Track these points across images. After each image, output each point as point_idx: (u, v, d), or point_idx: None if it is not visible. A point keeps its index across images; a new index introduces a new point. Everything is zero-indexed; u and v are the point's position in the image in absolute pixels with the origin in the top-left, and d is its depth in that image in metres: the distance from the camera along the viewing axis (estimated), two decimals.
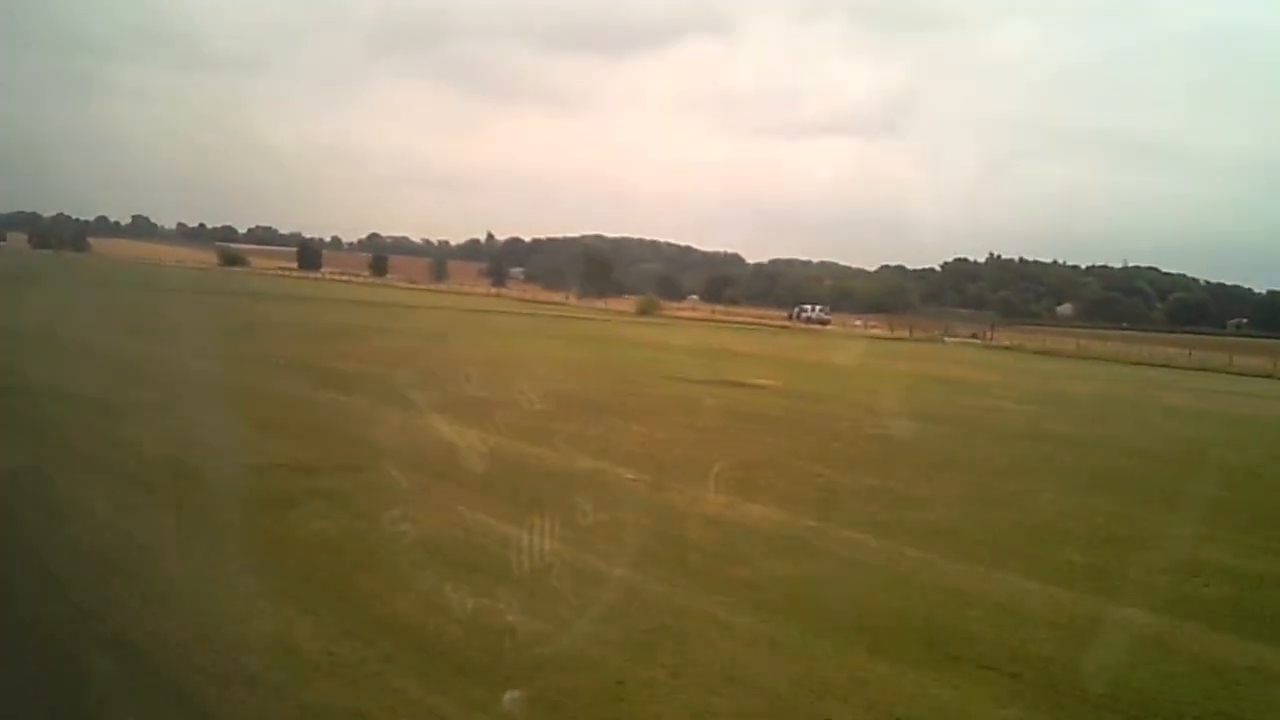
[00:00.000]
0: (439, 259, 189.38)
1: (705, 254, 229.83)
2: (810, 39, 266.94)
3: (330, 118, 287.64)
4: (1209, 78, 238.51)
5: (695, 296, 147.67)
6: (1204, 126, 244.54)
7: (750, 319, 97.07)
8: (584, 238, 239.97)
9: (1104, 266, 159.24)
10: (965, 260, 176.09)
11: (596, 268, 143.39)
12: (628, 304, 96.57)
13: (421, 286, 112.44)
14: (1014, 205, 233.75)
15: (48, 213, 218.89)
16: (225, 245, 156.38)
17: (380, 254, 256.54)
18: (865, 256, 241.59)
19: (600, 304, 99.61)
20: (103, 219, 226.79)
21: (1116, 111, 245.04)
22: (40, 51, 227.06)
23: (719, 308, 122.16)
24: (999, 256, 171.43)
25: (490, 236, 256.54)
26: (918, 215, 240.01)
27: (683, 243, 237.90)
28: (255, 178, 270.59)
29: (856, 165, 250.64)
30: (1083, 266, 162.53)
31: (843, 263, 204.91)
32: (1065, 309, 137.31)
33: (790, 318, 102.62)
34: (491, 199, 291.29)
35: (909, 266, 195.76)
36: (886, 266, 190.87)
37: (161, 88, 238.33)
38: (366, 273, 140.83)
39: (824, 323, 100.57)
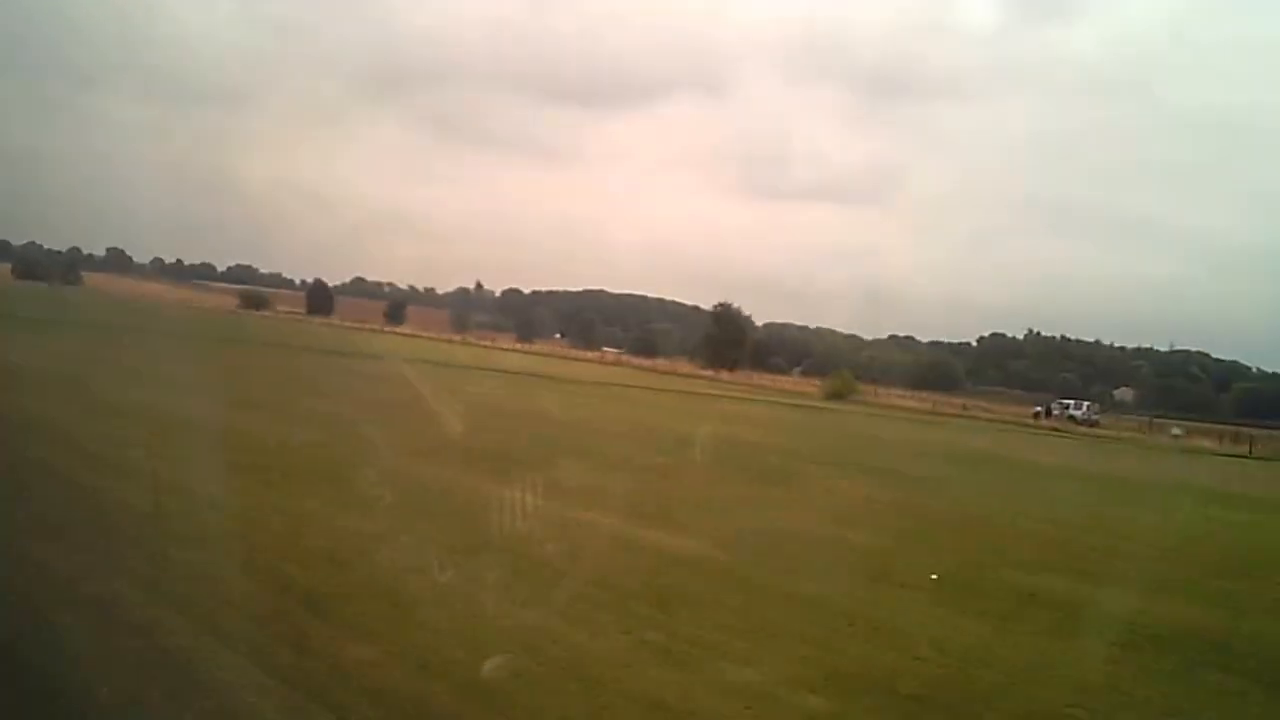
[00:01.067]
0: (458, 308, 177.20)
1: (709, 312, 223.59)
2: (803, 103, 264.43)
3: (312, 158, 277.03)
4: (1209, 158, 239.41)
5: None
6: (1203, 207, 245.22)
7: (986, 414, 79.25)
8: (586, 292, 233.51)
9: (1150, 349, 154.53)
10: (1003, 335, 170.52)
11: (730, 332, 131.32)
12: (791, 382, 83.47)
13: (478, 342, 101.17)
14: (1012, 282, 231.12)
15: (17, 241, 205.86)
16: (248, 288, 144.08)
17: (377, 298, 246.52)
18: (861, 325, 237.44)
19: (742, 377, 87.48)
20: (76, 250, 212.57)
21: (1113, 188, 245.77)
22: (15, 77, 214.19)
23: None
24: (1038, 333, 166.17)
25: (479, 286, 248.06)
26: (913, 286, 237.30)
27: (690, 301, 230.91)
28: (233, 215, 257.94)
29: (846, 232, 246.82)
30: (1129, 347, 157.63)
31: (842, 330, 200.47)
32: (1124, 394, 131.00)
33: (1044, 415, 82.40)
34: (473, 248, 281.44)
35: (944, 340, 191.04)
36: (922, 340, 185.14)
37: (140, 120, 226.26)
38: (382, 320, 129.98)
39: (1092, 424, 78.19)
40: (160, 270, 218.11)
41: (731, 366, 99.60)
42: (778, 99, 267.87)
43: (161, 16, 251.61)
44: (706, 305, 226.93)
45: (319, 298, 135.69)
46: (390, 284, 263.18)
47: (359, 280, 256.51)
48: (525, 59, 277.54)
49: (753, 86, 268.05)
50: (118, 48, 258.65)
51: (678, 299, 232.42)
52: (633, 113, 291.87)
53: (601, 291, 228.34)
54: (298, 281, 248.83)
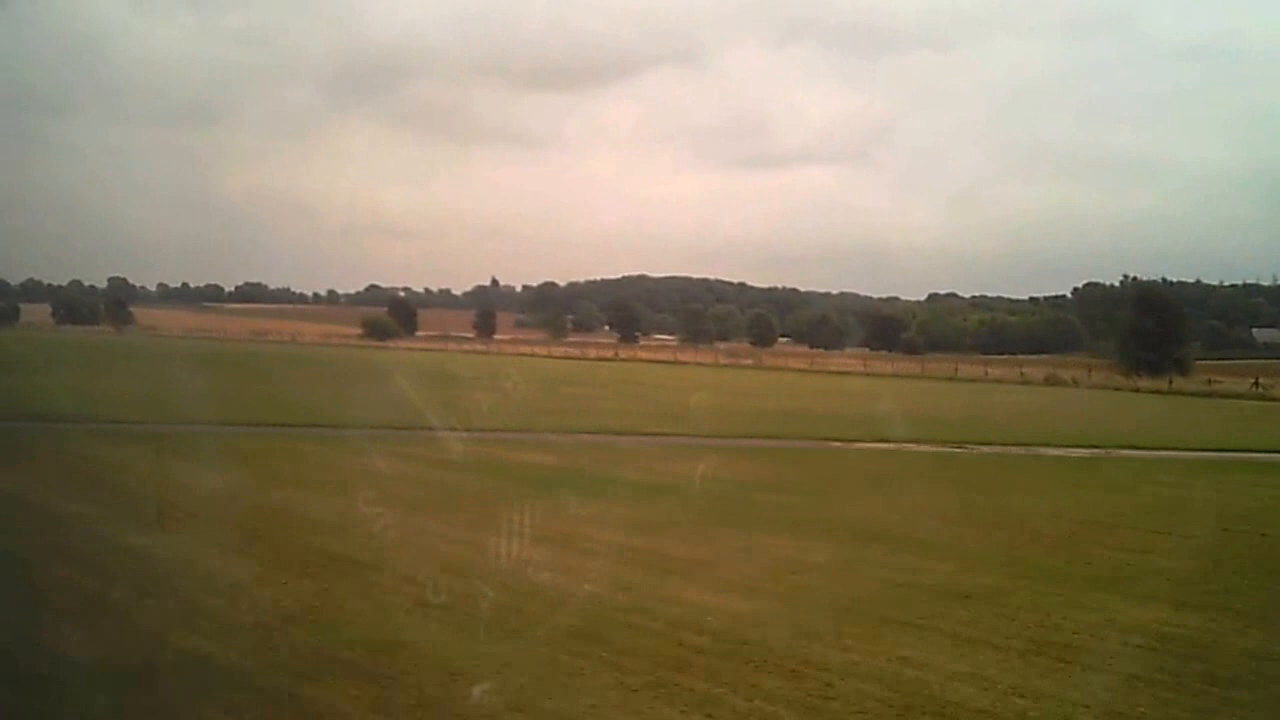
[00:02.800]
0: (487, 308, 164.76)
1: (761, 291, 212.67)
2: (783, 66, 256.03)
3: (297, 168, 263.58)
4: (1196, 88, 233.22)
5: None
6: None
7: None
8: (626, 279, 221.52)
9: (1255, 284, 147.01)
10: (1098, 284, 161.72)
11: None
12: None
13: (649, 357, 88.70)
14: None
15: (16, 280, 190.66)
16: (372, 310, 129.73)
17: (404, 305, 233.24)
18: (884, 286, 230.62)
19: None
20: (77, 283, 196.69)
21: (1104, 126, 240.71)
22: None
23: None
24: (1135, 278, 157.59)
25: (495, 282, 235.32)
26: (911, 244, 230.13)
27: (735, 279, 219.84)
28: (227, 233, 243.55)
29: (837, 193, 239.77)
30: (1226, 284, 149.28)
31: (863, 293, 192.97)
32: (1272, 334, 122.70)
33: None
34: (467, 244, 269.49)
35: (991, 295, 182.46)
36: (1036, 299, 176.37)
37: (117, 143, 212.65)
38: (471, 333, 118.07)
39: None
40: (166, 296, 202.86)
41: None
42: (756, 64, 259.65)
43: (128, 39, 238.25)
44: (755, 283, 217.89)
45: (400, 314, 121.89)
46: (406, 288, 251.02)
47: (373, 288, 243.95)
48: (499, 47, 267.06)
49: (730, 53, 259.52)
50: (84, 73, 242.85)
51: (723, 278, 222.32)
52: (611, 92, 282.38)
53: (643, 277, 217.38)
54: (310, 295, 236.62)
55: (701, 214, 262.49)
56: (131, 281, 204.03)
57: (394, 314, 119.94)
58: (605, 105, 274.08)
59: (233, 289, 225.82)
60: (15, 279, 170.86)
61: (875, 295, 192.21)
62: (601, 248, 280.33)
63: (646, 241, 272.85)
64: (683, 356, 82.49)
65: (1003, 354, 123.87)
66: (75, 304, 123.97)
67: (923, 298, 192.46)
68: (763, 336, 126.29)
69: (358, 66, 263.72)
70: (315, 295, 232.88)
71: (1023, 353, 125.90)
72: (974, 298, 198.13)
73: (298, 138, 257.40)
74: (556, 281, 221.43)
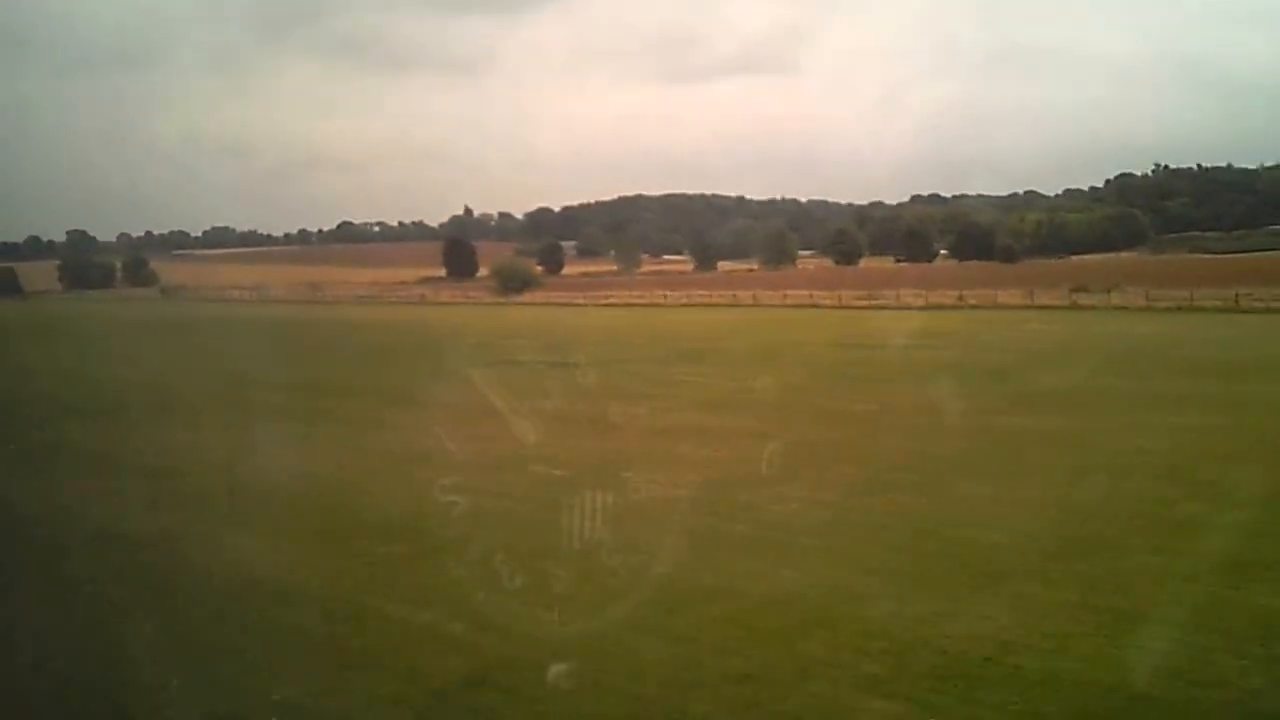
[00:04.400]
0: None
1: (762, 203, 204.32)
2: None
3: (230, 107, 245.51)
4: None
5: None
6: None
7: None
8: (622, 199, 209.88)
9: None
10: (1133, 175, 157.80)
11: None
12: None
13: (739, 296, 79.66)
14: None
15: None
16: (428, 246, 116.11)
17: (368, 240, 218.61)
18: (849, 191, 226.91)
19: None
20: (34, 239, 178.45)
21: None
22: None
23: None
24: (1166, 166, 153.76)
25: (469, 211, 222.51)
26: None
27: (732, 194, 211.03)
28: (170, 178, 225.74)
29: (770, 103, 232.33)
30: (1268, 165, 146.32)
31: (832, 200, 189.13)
32: None
33: None
34: (410, 173, 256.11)
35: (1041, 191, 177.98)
36: (1077, 189, 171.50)
37: (47, 94, 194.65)
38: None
39: None
40: (130, 245, 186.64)
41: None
42: None
43: None
44: (755, 195, 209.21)
45: (459, 256, 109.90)
46: (380, 223, 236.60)
47: (346, 224, 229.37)
48: None
49: None
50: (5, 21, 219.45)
51: (719, 192, 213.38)
52: (546, 13, 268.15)
53: (640, 196, 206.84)
54: (280, 235, 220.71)
55: (645, 129, 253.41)
56: (91, 233, 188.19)
57: (456, 254, 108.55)
58: (539, 27, 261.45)
59: (199, 234, 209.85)
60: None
61: (855, 201, 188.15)
62: (563, 169, 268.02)
63: (598, 160, 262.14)
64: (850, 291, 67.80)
65: (1072, 254, 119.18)
66: (83, 266, 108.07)
67: (906, 199, 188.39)
68: (847, 253, 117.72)
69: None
70: (286, 235, 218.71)
71: (1092, 251, 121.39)
72: (956, 197, 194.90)
73: (227, 77, 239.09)
74: (551, 207, 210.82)
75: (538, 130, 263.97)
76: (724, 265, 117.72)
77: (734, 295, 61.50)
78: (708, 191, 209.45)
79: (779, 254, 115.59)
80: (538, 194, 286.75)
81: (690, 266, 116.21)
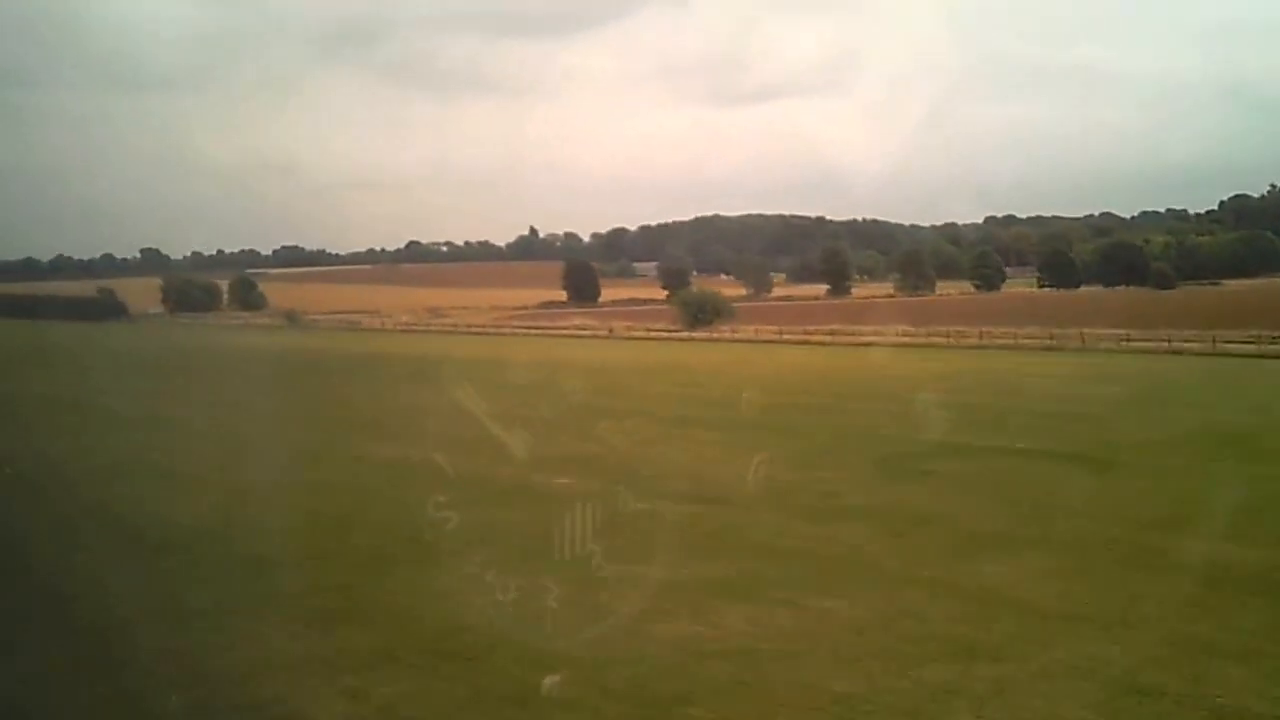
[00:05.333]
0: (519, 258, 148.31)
1: (843, 224, 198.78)
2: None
3: (285, 128, 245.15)
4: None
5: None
6: None
7: None
8: (699, 219, 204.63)
9: None
10: (1247, 197, 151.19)
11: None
12: None
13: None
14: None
15: (46, 256, 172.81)
16: (540, 267, 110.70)
17: (435, 260, 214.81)
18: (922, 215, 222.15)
19: None
20: (109, 257, 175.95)
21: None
22: None
23: None
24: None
25: (534, 232, 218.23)
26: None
27: (813, 213, 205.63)
28: (249, 197, 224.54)
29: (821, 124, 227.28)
30: None
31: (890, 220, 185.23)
32: None
33: None
34: (463, 195, 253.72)
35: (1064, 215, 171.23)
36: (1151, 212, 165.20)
37: (112, 112, 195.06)
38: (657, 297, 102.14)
39: None
40: (200, 264, 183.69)
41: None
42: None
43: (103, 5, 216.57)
44: (834, 216, 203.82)
45: (581, 280, 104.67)
46: (448, 243, 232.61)
47: (414, 244, 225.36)
48: None
49: None
50: (66, 42, 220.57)
51: (799, 213, 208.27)
52: (594, 35, 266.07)
53: (716, 217, 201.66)
54: (347, 254, 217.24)
55: (698, 152, 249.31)
56: (164, 252, 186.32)
57: (578, 278, 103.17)
58: (589, 49, 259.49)
59: (269, 253, 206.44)
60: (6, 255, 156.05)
61: (925, 224, 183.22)
62: (621, 190, 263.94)
63: (658, 182, 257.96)
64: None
65: (1211, 280, 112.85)
66: (184, 288, 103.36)
67: (978, 220, 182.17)
68: (989, 279, 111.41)
69: (340, 23, 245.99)
70: (354, 254, 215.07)
71: (1229, 276, 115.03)
72: (1031, 218, 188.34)
73: (284, 96, 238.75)
74: (627, 227, 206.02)
75: (592, 151, 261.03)
76: (859, 291, 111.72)
77: (949, 336, 55.32)
78: (786, 212, 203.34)
79: (917, 278, 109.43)
80: (601, 214, 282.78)
81: (822, 291, 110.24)
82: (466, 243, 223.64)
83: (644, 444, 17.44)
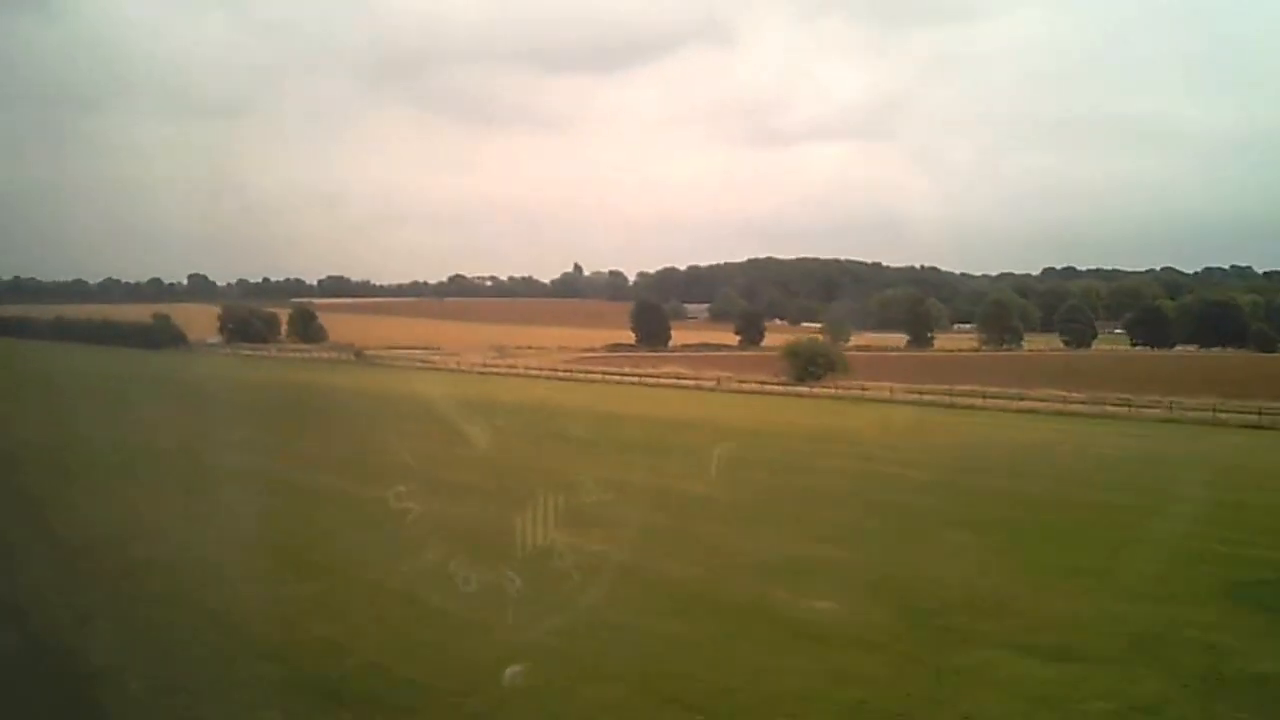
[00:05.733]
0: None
1: (899, 270, 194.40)
2: (811, 41, 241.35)
3: (330, 159, 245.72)
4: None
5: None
6: None
7: None
8: (752, 261, 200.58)
9: None
10: None
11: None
12: None
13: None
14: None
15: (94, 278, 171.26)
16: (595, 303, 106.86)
17: (479, 294, 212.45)
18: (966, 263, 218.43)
19: None
20: (156, 281, 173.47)
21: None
22: (21, 107, 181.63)
23: None
24: None
25: (578, 269, 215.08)
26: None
27: (869, 259, 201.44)
28: (295, 226, 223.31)
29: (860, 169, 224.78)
30: None
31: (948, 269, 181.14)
32: None
33: None
34: (506, 230, 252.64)
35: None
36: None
37: (156, 138, 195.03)
38: (734, 342, 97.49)
39: None
40: (248, 292, 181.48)
41: None
42: (785, 40, 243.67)
43: (159, 33, 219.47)
44: (891, 262, 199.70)
45: (651, 322, 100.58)
46: (493, 277, 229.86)
47: (458, 278, 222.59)
48: (527, 30, 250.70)
49: (760, 29, 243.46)
50: (117, 68, 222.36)
51: (855, 257, 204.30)
52: (638, 72, 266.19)
53: (770, 259, 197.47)
54: (391, 285, 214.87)
55: (744, 191, 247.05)
56: (211, 279, 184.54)
57: (648, 319, 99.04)
58: (632, 86, 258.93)
59: (314, 283, 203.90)
60: (57, 275, 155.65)
61: (977, 273, 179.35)
62: (667, 229, 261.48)
63: (704, 221, 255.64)
64: None
65: None
66: (243, 318, 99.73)
67: (1036, 271, 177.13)
68: (1079, 335, 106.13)
69: (386, 55, 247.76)
70: (398, 286, 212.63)
71: None
72: (1091, 270, 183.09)
73: (329, 127, 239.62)
74: (677, 266, 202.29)
75: (636, 188, 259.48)
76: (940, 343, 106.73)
77: (1129, 406, 49.21)
78: (842, 256, 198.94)
79: (1003, 330, 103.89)
80: (645, 252, 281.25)
81: (902, 342, 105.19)
82: (510, 278, 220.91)
83: (891, 548, 13.76)
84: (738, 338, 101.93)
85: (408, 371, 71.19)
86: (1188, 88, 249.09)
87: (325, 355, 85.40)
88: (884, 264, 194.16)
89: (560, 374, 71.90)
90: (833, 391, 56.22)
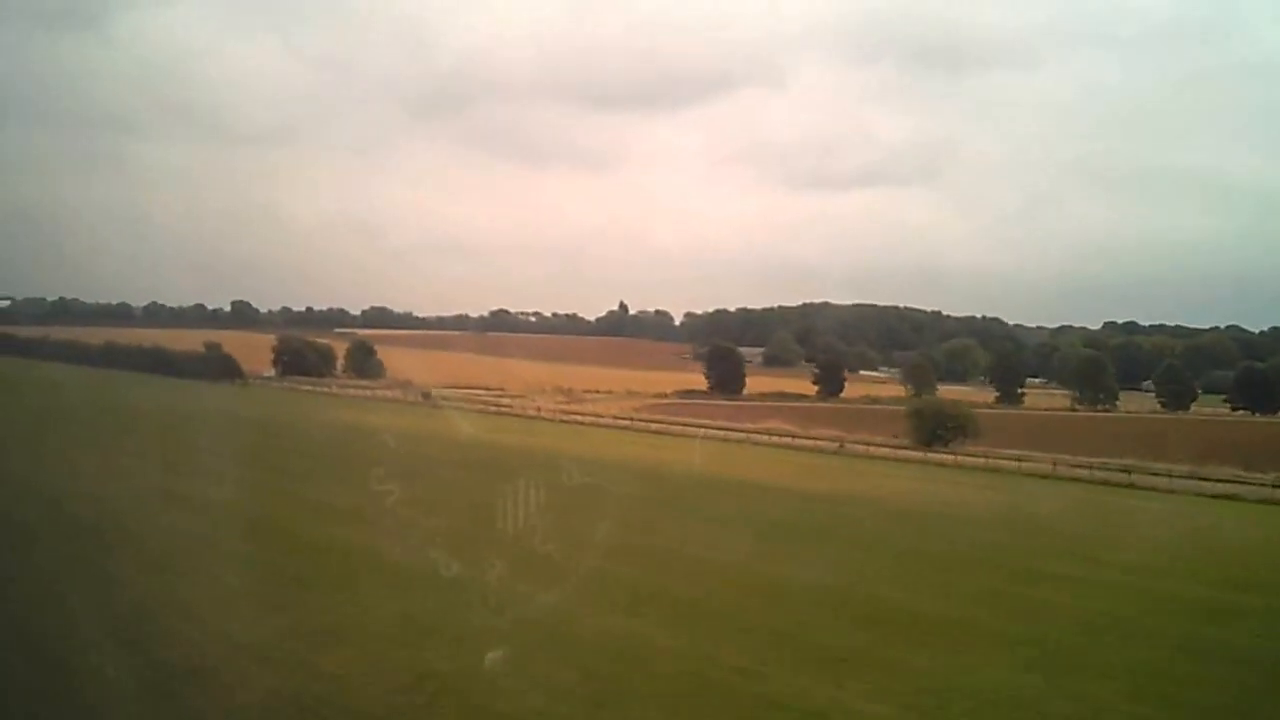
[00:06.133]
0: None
1: (960, 320, 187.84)
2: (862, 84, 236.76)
3: (372, 189, 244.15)
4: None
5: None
6: None
7: None
8: (808, 305, 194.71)
9: None
10: None
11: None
12: None
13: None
14: None
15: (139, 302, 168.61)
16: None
17: (521, 330, 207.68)
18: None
19: None
20: (200, 306, 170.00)
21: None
22: (63, 129, 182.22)
23: None
24: None
25: (624, 308, 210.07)
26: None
27: (930, 307, 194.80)
28: (337, 255, 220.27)
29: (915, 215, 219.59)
30: None
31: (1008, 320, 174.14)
32: None
33: None
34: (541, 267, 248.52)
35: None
36: None
37: (196, 164, 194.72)
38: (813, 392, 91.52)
39: None
40: (291, 320, 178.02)
41: None
42: (836, 83, 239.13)
43: (209, 58, 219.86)
44: (953, 311, 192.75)
45: (726, 369, 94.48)
46: (536, 313, 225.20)
47: (501, 313, 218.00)
48: (571, 68, 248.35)
49: (806, 75, 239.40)
50: (167, 93, 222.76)
51: (913, 305, 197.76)
52: (688, 112, 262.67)
53: (827, 305, 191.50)
54: (433, 319, 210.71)
55: (792, 235, 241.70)
56: (255, 305, 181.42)
57: (722, 365, 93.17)
58: (681, 126, 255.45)
59: (358, 313, 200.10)
60: (100, 297, 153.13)
61: (1031, 324, 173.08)
62: (717, 271, 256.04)
63: (751, 264, 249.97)
64: None
65: None
66: (299, 350, 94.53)
67: (1096, 325, 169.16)
68: (1178, 396, 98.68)
69: (431, 88, 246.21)
70: (440, 319, 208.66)
71: None
72: (1155, 326, 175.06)
73: (371, 158, 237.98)
74: (727, 308, 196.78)
75: (682, 228, 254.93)
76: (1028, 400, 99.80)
77: None
78: (901, 304, 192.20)
79: (1098, 389, 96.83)
80: (690, 294, 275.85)
81: (990, 398, 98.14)
82: (554, 314, 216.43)
83: None
84: (815, 387, 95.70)
85: (486, 417, 65.45)
86: (1250, 143, 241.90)
87: (389, 393, 79.88)
88: (944, 312, 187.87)
89: (651, 425, 65.92)
90: (982, 461, 49.82)
